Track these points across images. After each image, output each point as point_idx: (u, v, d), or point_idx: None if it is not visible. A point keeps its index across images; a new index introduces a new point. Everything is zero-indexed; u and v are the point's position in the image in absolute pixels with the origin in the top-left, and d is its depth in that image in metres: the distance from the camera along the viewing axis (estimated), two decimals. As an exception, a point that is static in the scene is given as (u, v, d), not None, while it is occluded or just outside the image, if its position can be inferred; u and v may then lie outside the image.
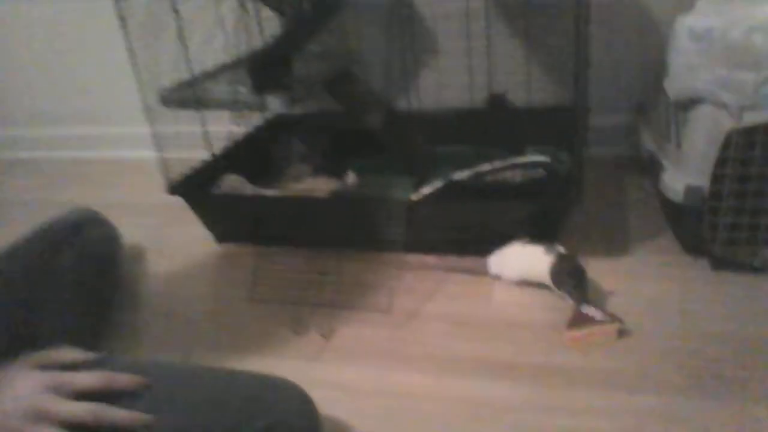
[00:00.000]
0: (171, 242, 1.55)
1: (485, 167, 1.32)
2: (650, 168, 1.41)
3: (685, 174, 1.21)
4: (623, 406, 0.93)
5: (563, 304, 1.13)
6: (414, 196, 1.31)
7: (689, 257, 1.27)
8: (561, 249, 1.19)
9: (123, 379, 0.80)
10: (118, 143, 2.25)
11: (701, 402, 0.93)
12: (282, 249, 1.43)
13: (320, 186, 1.45)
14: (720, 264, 1.21)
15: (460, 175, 1.32)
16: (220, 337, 1.19)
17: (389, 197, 1.36)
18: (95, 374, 0.80)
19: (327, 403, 0.92)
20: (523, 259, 1.22)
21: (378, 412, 0.97)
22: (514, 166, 1.33)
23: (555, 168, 1.33)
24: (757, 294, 1.14)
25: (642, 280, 1.22)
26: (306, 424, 0.82)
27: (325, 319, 1.19)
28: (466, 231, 1.30)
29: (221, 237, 1.51)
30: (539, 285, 1.20)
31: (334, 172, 1.49)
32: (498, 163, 1.33)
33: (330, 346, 1.13)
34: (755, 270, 1.18)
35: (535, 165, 1.34)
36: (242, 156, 1.61)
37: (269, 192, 1.46)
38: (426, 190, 1.32)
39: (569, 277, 1.15)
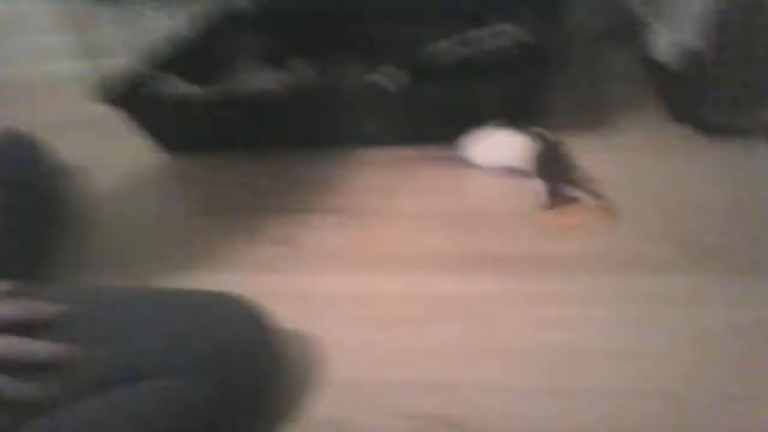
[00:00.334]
0: (112, 157, 1.41)
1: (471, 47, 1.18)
2: (635, 31, 1.26)
3: (677, 32, 1.08)
4: (612, 290, 0.85)
5: (541, 189, 1.02)
6: (393, 84, 1.17)
7: (678, 126, 1.16)
8: (539, 130, 1.08)
9: (45, 309, 0.70)
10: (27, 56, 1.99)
11: (695, 277, 0.85)
12: (234, 155, 1.30)
13: (272, 81, 1.30)
14: (711, 129, 1.10)
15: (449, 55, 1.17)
16: (170, 253, 1.08)
17: (362, 85, 1.21)
18: (11, 304, 0.70)
19: (286, 315, 0.82)
20: (497, 146, 1.11)
21: (344, 319, 0.88)
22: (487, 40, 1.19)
23: (532, 41, 1.19)
24: (753, 159, 1.04)
25: (630, 154, 1.12)
26: (257, 342, 0.73)
27: (282, 225, 1.08)
28: (439, 116, 1.17)
29: (168, 147, 1.37)
30: (517, 171, 1.09)
31: (285, 65, 1.33)
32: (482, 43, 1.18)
33: (287, 254, 1.02)
34: (747, 134, 1.08)
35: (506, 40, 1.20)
36: (184, 56, 1.44)
37: (215, 92, 1.31)
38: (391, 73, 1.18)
39: (547, 162, 1.04)
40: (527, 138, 1.07)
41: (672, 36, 1.09)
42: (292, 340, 0.84)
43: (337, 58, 1.31)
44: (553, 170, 1.03)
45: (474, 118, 1.14)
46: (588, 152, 1.12)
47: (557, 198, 0.98)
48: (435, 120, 1.18)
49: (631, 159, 1.10)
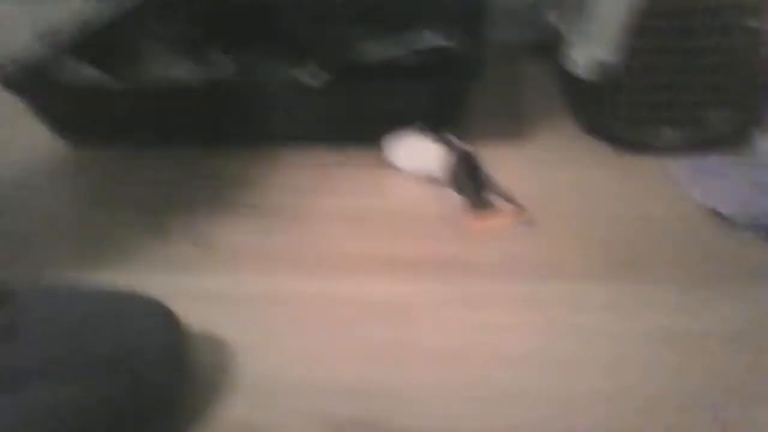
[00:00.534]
0: (10, 147, 1.30)
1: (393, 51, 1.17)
2: (554, 47, 1.31)
3: (590, 47, 1.12)
4: (530, 296, 0.87)
5: (458, 196, 1.03)
6: (316, 81, 1.14)
7: (591, 140, 1.20)
8: (454, 140, 1.09)
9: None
10: None
11: (609, 285, 0.88)
12: (145, 149, 1.23)
13: (188, 72, 1.24)
14: (621, 145, 1.15)
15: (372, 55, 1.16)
16: (73, 250, 1.00)
17: (284, 82, 1.18)
18: None
19: (200, 316, 0.79)
20: (416, 152, 1.11)
21: (260, 322, 0.84)
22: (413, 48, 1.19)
23: (454, 49, 1.20)
24: (661, 175, 1.09)
25: (544, 166, 1.15)
26: (166, 341, 0.69)
27: (194, 224, 1.03)
28: (360, 118, 1.16)
29: (72, 137, 1.28)
30: (433, 178, 1.09)
31: (204, 56, 1.28)
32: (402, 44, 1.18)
33: (202, 254, 0.97)
34: (655, 150, 1.14)
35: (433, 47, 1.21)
36: (93, 41, 1.35)
37: (125, 80, 1.24)
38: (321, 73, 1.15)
39: (461, 172, 1.05)
40: (442, 146, 1.08)
41: (587, 50, 1.13)
42: (204, 341, 0.80)
43: (259, 52, 1.27)
44: (467, 180, 1.04)
45: (395, 121, 1.13)
46: (505, 162, 1.14)
47: (476, 204, 0.99)
48: (357, 121, 1.17)
49: (546, 170, 1.13)
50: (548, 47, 1.37)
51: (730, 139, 1.14)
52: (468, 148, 1.08)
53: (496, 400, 0.72)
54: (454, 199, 1.04)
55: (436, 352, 0.79)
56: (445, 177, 1.06)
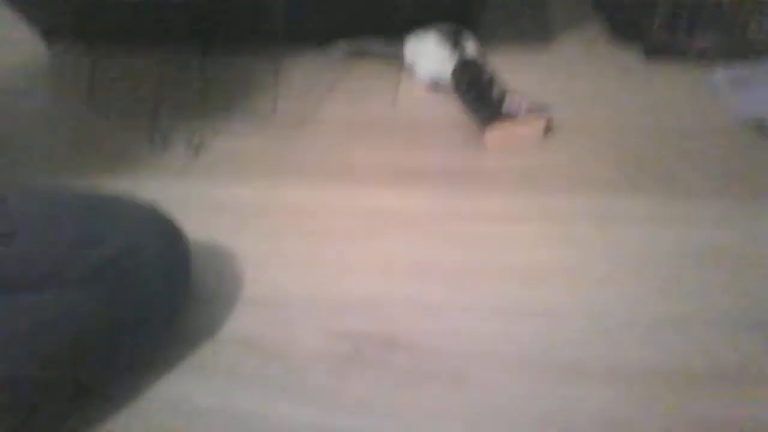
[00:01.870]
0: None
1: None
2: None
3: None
4: (550, 209, 0.81)
5: (472, 105, 0.95)
6: None
7: (622, 46, 1.11)
8: (468, 45, 1.00)
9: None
10: None
11: (633, 198, 0.82)
12: (142, 50, 1.14)
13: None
14: (654, 50, 1.06)
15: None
16: (65, 158, 0.93)
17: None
18: None
19: (199, 225, 0.73)
20: (431, 58, 1.02)
21: (265, 233, 0.79)
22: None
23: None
24: (696, 85, 1.01)
25: (569, 73, 1.06)
26: (165, 248, 0.64)
27: (193, 129, 0.96)
28: (378, 9, 1.06)
29: (53, 36, 1.18)
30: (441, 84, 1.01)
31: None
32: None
33: (199, 162, 0.91)
34: (691, 57, 1.05)
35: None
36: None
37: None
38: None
39: (462, 81, 0.96)
40: (454, 58, 0.99)
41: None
42: (206, 251, 0.75)
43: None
44: (467, 90, 0.95)
45: (414, 17, 1.04)
46: (528, 69, 1.05)
47: (497, 113, 0.91)
48: (374, 13, 1.07)
49: (572, 78, 1.05)
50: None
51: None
52: (473, 55, 1.00)
53: (516, 317, 0.68)
54: (472, 107, 0.96)
55: (452, 267, 0.74)
56: (451, 84, 0.98)
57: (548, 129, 0.92)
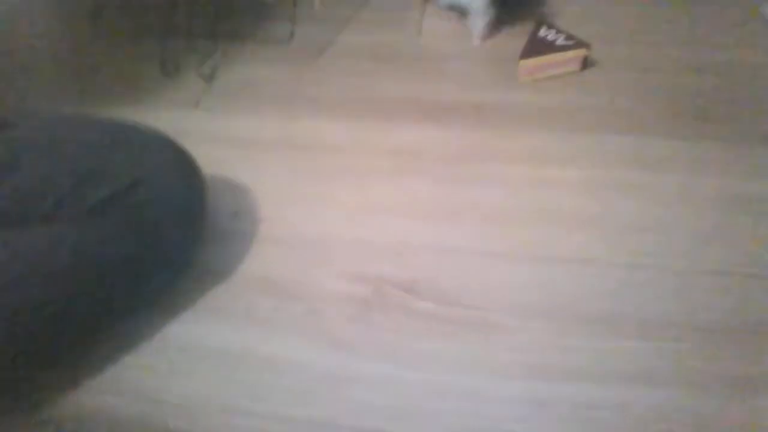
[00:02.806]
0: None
1: None
2: None
3: None
4: (584, 149, 0.76)
5: (514, 30, 0.88)
6: None
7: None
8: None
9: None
10: None
11: (674, 139, 0.76)
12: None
13: None
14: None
15: None
16: (69, 87, 0.89)
17: None
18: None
19: (212, 159, 0.68)
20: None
21: (284, 169, 0.75)
22: None
23: None
24: (742, 13, 0.93)
25: (613, 2, 0.98)
26: (178, 183, 0.60)
27: (206, 56, 0.90)
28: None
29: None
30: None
31: None
32: None
33: (212, 92, 0.86)
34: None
35: None
36: None
37: None
38: None
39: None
40: None
41: None
42: (221, 186, 0.71)
43: None
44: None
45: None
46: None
47: (533, 41, 0.85)
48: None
49: (615, 9, 0.97)
50: None
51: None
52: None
53: (545, 264, 0.64)
54: (505, 34, 0.89)
55: (479, 209, 0.70)
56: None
57: (587, 63, 0.86)
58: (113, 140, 0.60)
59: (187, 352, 0.59)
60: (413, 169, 0.74)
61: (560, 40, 0.84)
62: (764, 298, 0.61)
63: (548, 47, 0.83)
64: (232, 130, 0.80)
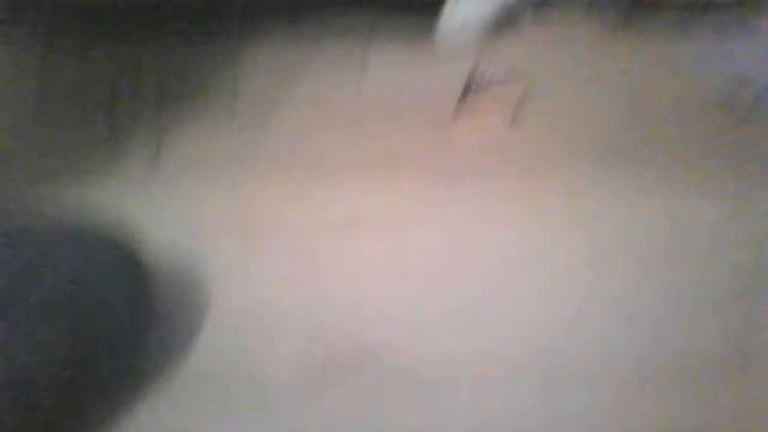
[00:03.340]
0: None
1: None
2: None
3: None
4: (525, 188, 0.78)
5: (453, 78, 0.90)
6: None
7: (595, 15, 1.04)
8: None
9: None
10: None
11: (613, 172, 0.79)
12: (91, 43, 1.05)
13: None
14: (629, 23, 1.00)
15: None
16: (15, 163, 0.88)
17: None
18: None
19: (162, 232, 0.71)
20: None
21: (227, 234, 0.76)
22: None
23: None
24: (669, 52, 0.96)
25: (547, 39, 1.00)
26: (121, 279, 0.60)
27: (153, 128, 0.90)
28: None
29: (10, 35, 1.10)
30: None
31: None
32: None
33: (160, 161, 0.86)
34: (670, 17, 0.99)
35: None
36: None
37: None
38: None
39: None
40: None
41: None
42: (178, 263, 0.72)
43: None
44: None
45: None
46: (499, 40, 1.00)
47: (472, 80, 0.87)
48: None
49: (550, 45, 0.99)
50: None
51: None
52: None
53: (491, 313, 0.66)
54: (444, 81, 0.91)
55: (429, 260, 0.71)
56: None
57: (524, 101, 0.88)
58: (52, 240, 0.60)
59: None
60: (361, 225, 0.76)
61: (496, 78, 0.86)
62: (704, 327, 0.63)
63: (485, 86, 0.86)
64: (179, 200, 0.81)
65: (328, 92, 0.94)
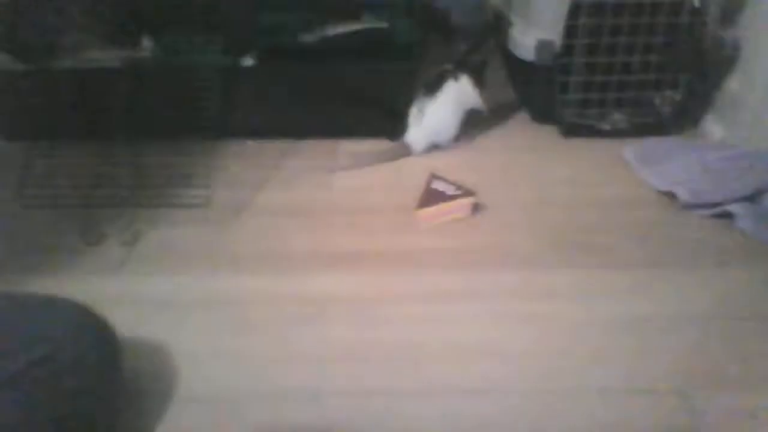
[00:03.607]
0: None
1: (331, 31, 1.12)
2: (497, 28, 1.27)
3: (535, 28, 1.09)
4: (482, 285, 0.83)
5: (411, 185, 0.99)
6: (244, 61, 1.08)
7: (539, 126, 1.18)
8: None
9: None
10: None
11: (562, 270, 0.85)
12: (63, 142, 1.13)
13: (108, 57, 1.14)
14: (570, 130, 1.14)
15: (307, 37, 1.11)
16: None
17: (209, 62, 1.09)
18: None
19: (133, 321, 0.72)
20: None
21: (195, 325, 0.78)
22: (354, 32, 1.14)
23: (393, 32, 1.15)
24: (613, 159, 1.08)
25: (492, 151, 1.12)
26: (88, 352, 0.61)
27: (126, 223, 0.95)
28: (298, 100, 1.10)
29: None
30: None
31: (126, 40, 1.17)
32: (341, 28, 1.13)
33: (135, 255, 0.90)
34: (604, 134, 1.13)
35: (373, 31, 1.15)
36: (8, 27, 1.23)
37: (43, 68, 1.13)
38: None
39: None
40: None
41: (529, 31, 1.11)
42: (142, 350, 0.73)
43: (184, 34, 1.17)
44: None
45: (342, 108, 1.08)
46: (452, 150, 1.12)
47: (427, 193, 0.95)
48: (295, 105, 1.11)
49: (495, 157, 1.10)
50: (495, 29, 1.34)
51: (679, 123, 1.13)
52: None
53: (452, 398, 0.69)
54: (401, 189, 0.99)
55: (387, 350, 0.74)
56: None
57: (476, 207, 0.96)
58: (18, 316, 0.61)
59: None
60: (324, 316, 0.79)
61: (450, 191, 0.95)
62: (650, 410, 0.67)
63: (440, 197, 0.94)
64: (153, 292, 0.83)
65: (295, 196, 1.01)
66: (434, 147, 1.11)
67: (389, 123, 1.11)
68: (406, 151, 1.10)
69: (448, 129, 1.10)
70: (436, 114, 1.09)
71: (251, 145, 1.14)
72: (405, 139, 1.10)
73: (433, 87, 1.09)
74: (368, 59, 1.09)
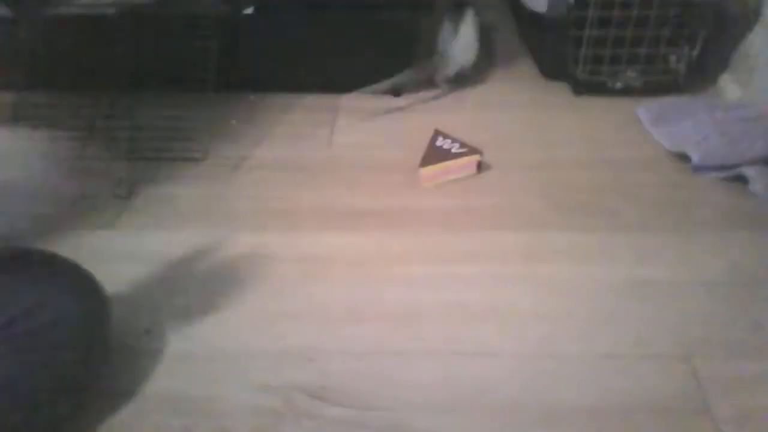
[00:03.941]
0: None
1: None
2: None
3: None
4: (485, 247, 0.81)
5: (414, 142, 0.95)
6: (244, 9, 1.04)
7: (549, 82, 1.14)
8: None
9: None
10: None
11: (568, 232, 0.83)
12: (55, 93, 1.09)
13: (103, 3, 1.09)
14: (581, 88, 1.09)
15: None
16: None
17: (208, 9, 1.05)
18: None
19: (126, 277, 0.71)
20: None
21: (190, 281, 0.76)
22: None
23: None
24: (624, 118, 1.04)
25: (501, 109, 1.08)
26: (76, 306, 0.60)
27: (122, 175, 0.92)
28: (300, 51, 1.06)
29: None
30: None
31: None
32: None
33: (129, 209, 0.88)
34: (616, 92, 1.08)
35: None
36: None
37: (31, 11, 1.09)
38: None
39: None
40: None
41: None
42: (134, 307, 0.72)
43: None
44: None
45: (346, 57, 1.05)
46: (461, 106, 1.07)
47: (431, 150, 0.92)
48: (299, 54, 1.08)
49: (504, 114, 1.07)
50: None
51: (695, 81, 1.09)
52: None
53: (451, 360, 0.67)
54: (404, 145, 0.96)
55: (386, 309, 0.73)
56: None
57: (482, 167, 0.93)
58: (3, 269, 0.60)
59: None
60: (323, 275, 0.77)
61: (455, 148, 0.92)
62: (656, 376, 0.65)
63: (445, 155, 0.91)
64: (147, 248, 0.81)
65: (295, 152, 0.98)
66: (460, 74, 1.11)
67: (392, 75, 1.07)
68: (431, 77, 1.10)
69: (472, 53, 1.11)
70: (464, 37, 1.08)
71: (252, 98, 1.11)
72: (433, 63, 1.10)
73: (455, 15, 1.08)
74: (371, 6, 1.04)
